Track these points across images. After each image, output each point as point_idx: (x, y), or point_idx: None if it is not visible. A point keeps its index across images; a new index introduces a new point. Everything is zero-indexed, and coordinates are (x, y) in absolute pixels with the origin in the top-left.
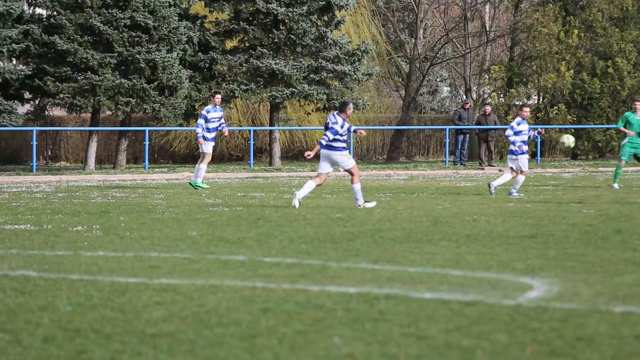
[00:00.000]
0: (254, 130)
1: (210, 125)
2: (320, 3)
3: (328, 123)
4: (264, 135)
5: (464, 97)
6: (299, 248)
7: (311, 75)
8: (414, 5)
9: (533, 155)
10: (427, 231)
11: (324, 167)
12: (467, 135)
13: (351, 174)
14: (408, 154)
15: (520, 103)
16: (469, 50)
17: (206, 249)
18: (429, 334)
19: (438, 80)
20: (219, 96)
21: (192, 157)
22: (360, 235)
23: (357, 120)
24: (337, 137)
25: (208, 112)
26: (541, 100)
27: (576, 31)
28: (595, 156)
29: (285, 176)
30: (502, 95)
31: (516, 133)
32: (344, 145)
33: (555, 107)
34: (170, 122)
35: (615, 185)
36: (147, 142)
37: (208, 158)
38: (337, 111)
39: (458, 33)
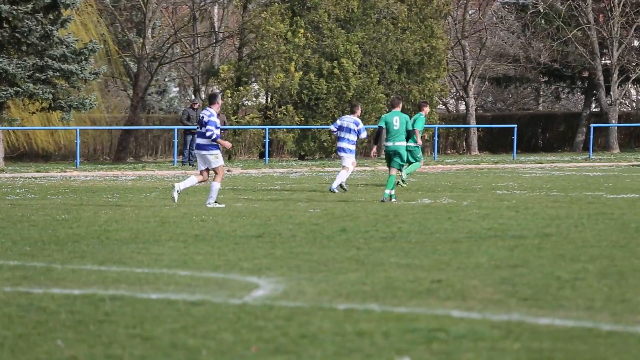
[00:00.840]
0: None
1: None
2: (46, 1)
3: (203, 117)
4: None
5: (193, 97)
6: (22, 250)
7: (36, 74)
8: (142, 4)
9: (261, 156)
10: (154, 232)
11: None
12: (196, 135)
13: (216, 172)
14: (136, 155)
15: (249, 102)
16: (197, 50)
17: None
18: (155, 334)
19: (167, 80)
20: None
21: None
22: (87, 236)
23: (83, 121)
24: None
25: None
26: (269, 100)
27: (302, 30)
28: (321, 156)
29: (9, 177)
30: (230, 95)
31: (358, 132)
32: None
33: (283, 107)
34: None
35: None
36: None
37: None
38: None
39: (187, 33)
